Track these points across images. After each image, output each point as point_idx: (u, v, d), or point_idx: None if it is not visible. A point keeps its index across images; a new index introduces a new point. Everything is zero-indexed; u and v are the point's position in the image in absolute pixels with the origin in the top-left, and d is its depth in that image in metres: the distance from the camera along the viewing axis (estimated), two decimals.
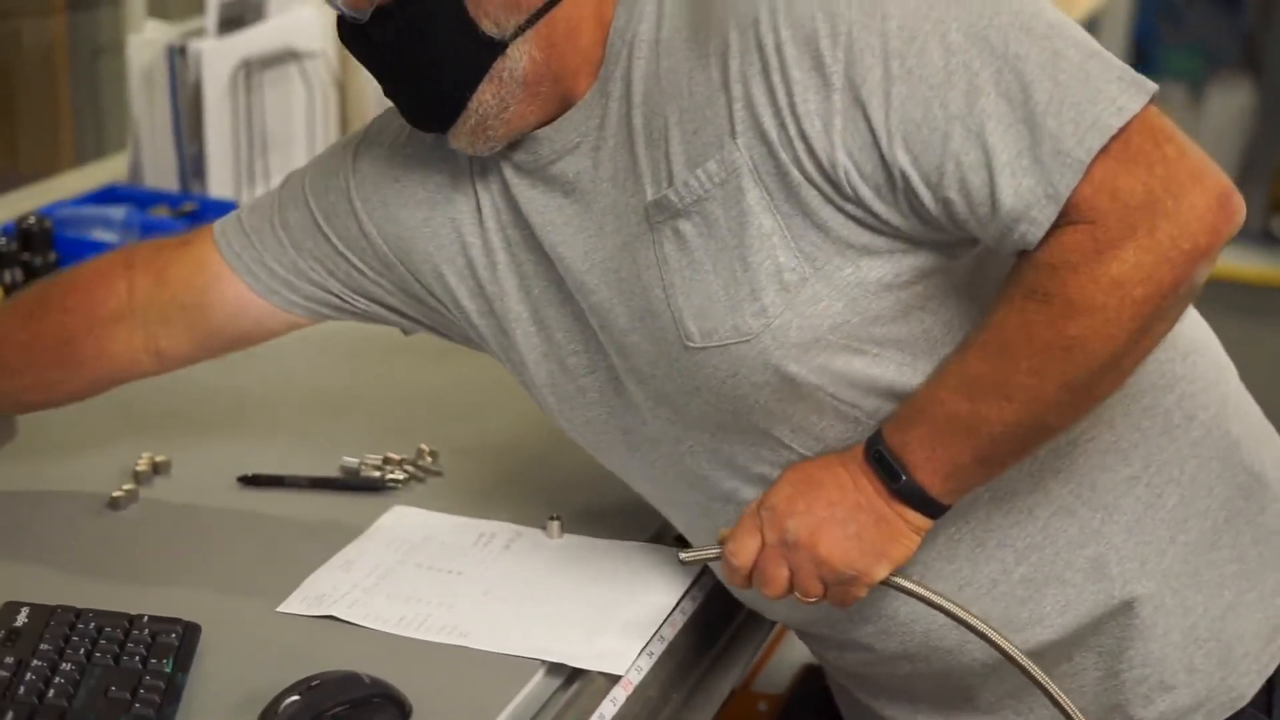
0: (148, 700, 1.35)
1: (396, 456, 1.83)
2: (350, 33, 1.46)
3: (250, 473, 1.79)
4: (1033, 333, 1.31)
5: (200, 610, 1.49)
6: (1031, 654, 1.46)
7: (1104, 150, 1.28)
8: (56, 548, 1.65)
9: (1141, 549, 1.48)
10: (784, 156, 1.35)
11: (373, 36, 1.44)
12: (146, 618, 1.45)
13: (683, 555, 1.48)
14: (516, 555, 1.65)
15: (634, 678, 1.47)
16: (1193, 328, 1.54)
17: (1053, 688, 1.42)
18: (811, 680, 1.75)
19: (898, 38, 1.31)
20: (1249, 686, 1.52)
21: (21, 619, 1.43)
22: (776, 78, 1.34)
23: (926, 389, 1.38)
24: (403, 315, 1.65)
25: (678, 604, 1.58)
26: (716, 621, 1.60)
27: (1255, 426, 1.58)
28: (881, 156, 1.32)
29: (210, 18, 2.55)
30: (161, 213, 2.42)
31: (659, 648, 1.52)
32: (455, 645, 1.50)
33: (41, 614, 1.44)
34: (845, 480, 1.40)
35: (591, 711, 1.42)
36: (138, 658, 1.40)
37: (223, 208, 2.43)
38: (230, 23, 2.58)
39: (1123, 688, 1.51)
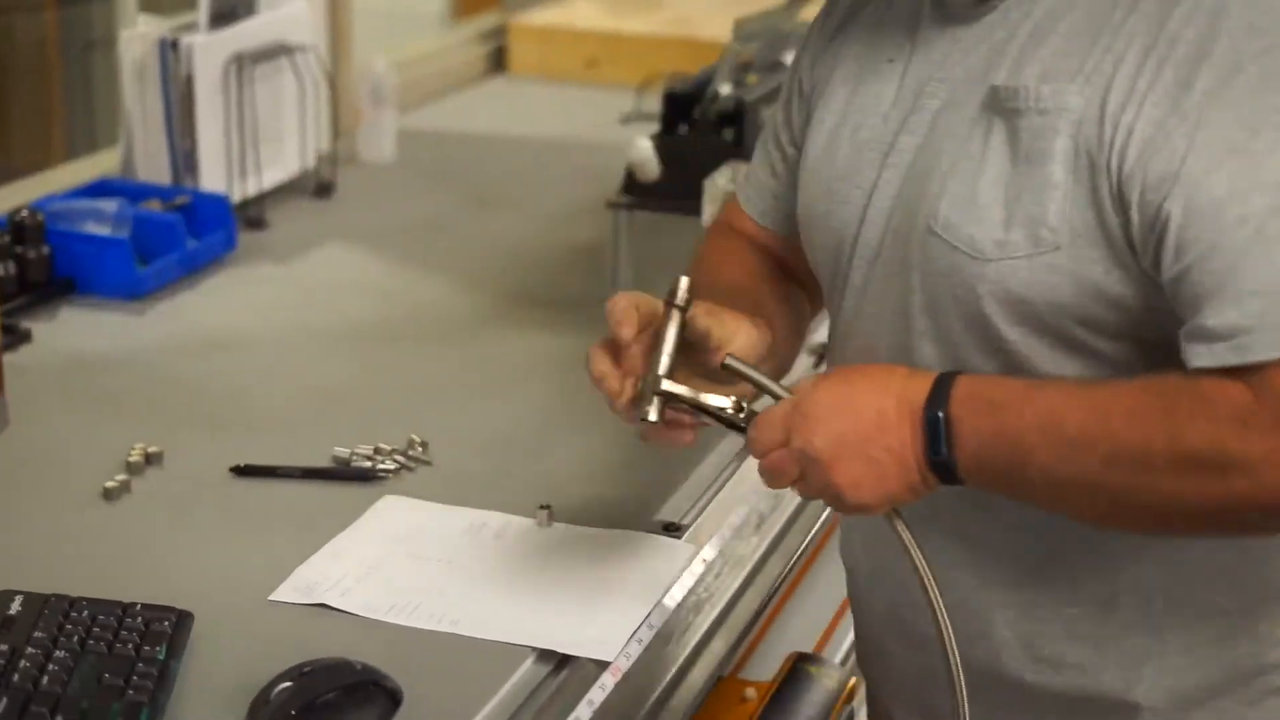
0: (141, 687, 1.36)
1: (387, 447, 1.84)
2: None
3: (242, 463, 1.80)
4: (1132, 428, 1.28)
5: (193, 598, 1.50)
6: (1028, 693, 1.47)
7: None
8: (50, 537, 1.66)
9: (1175, 672, 1.46)
10: (1107, 132, 1.32)
11: None
12: (140, 606, 1.46)
13: (730, 360, 1.42)
14: (507, 544, 1.67)
15: (623, 664, 1.49)
16: None
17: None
18: (799, 668, 1.76)
19: (1275, 116, 1.28)
20: None
21: (15, 607, 1.45)
22: (1153, 63, 1.32)
23: (1024, 389, 1.35)
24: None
25: (667, 590, 1.59)
26: (705, 608, 1.61)
27: None
28: (1163, 198, 1.29)
29: (202, 12, 2.55)
30: (154, 206, 2.42)
31: (648, 634, 1.53)
32: (446, 633, 1.51)
33: (35, 602, 1.45)
34: (890, 419, 1.36)
35: (581, 697, 1.44)
36: (131, 645, 1.41)
37: (214, 201, 2.46)
38: (222, 17, 2.58)
39: None
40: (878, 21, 1.55)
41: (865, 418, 1.36)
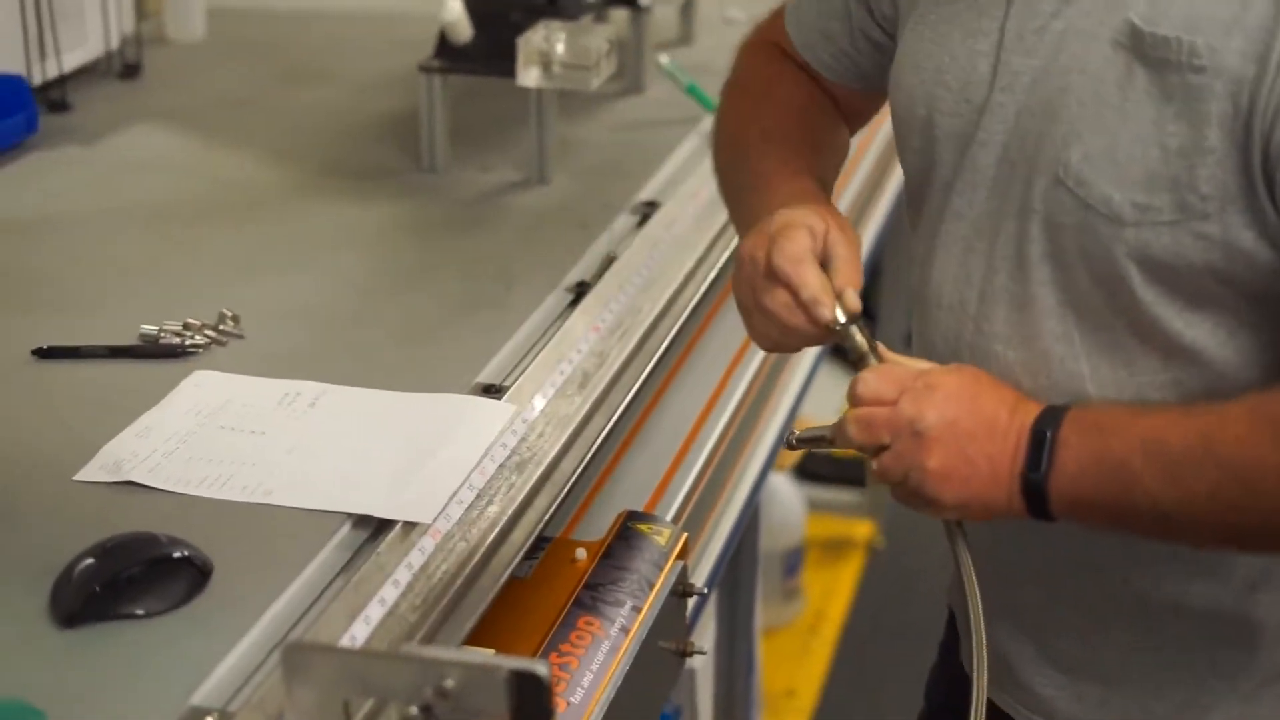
0: None
1: (197, 321, 1.78)
2: None
3: (46, 345, 1.73)
4: (1242, 452, 1.25)
5: None
6: None
7: None
8: None
9: None
10: (1263, 96, 1.24)
11: None
12: None
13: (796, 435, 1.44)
14: (322, 412, 1.62)
15: (442, 526, 1.45)
16: None
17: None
18: (629, 527, 1.74)
19: None
20: None
21: None
22: None
23: (1132, 417, 1.31)
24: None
25: (488, 452, 1.56)
26: (528, 468, 1.57)
27: None
28: None
29: None
30: None
31: (469, 496, 1.50)
32: (259, 504, 1.47)
33: None
34: (998, 429, 1.32)
35: (400, 562, 1.40)
36: None
37: (11, 83, 2.36)
38: None
39: None
40: None
41: (981, 416, 1.33)
